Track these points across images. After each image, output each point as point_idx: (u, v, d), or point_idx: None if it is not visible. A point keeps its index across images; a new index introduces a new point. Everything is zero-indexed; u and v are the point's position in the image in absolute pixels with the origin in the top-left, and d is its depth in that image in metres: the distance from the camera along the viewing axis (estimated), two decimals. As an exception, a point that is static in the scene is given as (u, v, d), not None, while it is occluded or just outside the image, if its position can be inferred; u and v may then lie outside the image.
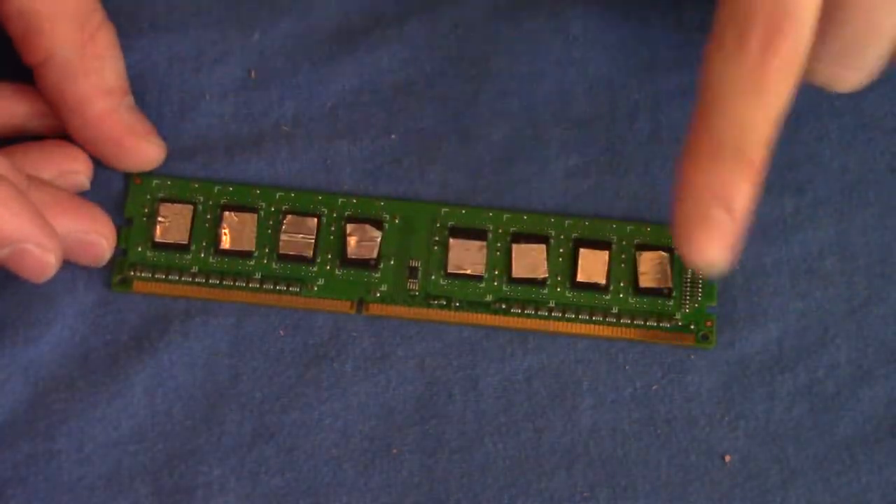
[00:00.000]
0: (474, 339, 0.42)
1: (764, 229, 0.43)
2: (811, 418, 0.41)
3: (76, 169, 0.43)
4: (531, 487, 0.41)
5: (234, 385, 0.42)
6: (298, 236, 0.43)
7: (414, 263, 0.43)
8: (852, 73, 0.41)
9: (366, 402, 0.42)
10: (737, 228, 0.37)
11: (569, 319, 0.42)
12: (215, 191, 0.43)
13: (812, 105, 0.44)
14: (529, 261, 0.42)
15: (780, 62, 0.37)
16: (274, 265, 0.43)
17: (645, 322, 0.42)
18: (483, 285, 0.42)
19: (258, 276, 0.43)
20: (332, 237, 0.43)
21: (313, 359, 0.42)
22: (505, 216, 0.43)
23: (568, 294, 0.42)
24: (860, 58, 0.40)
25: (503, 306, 0.42)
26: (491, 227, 0.43)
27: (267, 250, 0.43)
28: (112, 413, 0.41)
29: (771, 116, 0.38)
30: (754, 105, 0.37)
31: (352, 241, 0.43)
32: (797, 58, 0.37)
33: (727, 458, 0.41)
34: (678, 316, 0.42)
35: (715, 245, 0.37)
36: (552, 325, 0.42)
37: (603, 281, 0.42)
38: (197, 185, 0.43)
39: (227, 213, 0.43)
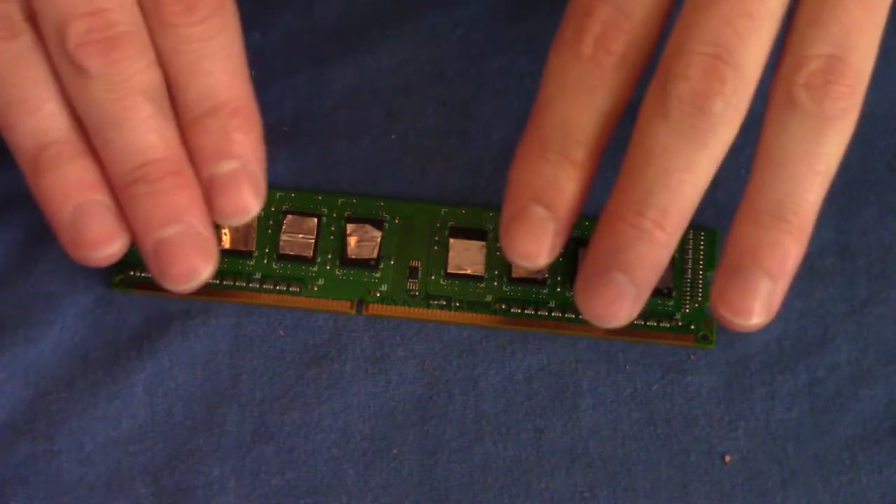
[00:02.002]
0: (474, 339, 0.42)
1: (764, 229, 0.43)
2: (811, 418, 0.41)
3: None
4: (531, 487, 0.41)
5: (234, 385, 0.42)
6: (298, 236, 0.43)
7: (414, 263, 0.43)
8: None
9: (366, 402, 0.42)
10: (559, 227, 0.37)
11: (569, 319, 0.42)
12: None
13: (812, 105, 0.44)
14: (529, 261, 0.42)
15: (614, 61, 0.37)
16: (274, 265, 0.43)
17: (645, 322, 0.42)
18: (483, 285, 0.42)
19: (258, 276, 0.43)
20: (332, 237, 0.43)
21: (313, 359, 0.42)
22: (505, 216, 0.43)
23: (568, 294, 0.42)
24: None
25: (503, 306, 0.42)
26: (491, 227, 0.43)
27: (267, 250, 0.43)
28: (112, 413, 0.41)
29: (600, 118, 0.37)
30: (584, 104, 0.37)
31: (352, 241, 0.43)
32: (635, 58, 0.37)
33: (727, 458, 0.41)
34: (678, 316, 0.42)
35: (531, 241, 0.37)
36: (552, 325, 0.42)
37: (603, 281, 0.42)
38: (197, 185, 0.43)
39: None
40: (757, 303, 0.37)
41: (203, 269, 0.38)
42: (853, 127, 0.37)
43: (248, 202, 0.39)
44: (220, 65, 0.38)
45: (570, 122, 0.37)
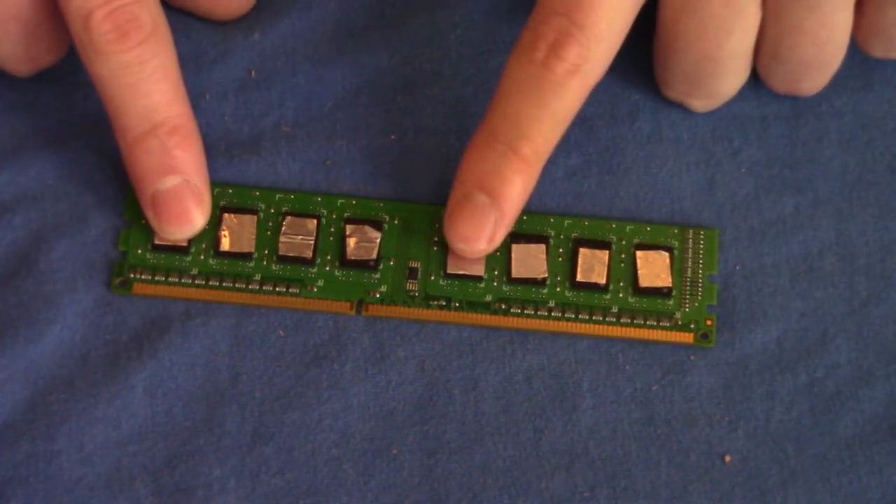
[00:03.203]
0: (474, 340, 0.42)
1: (764, 229, 0.43)
2: (811, 418, 0.41)
3: None
4: (531, 488, 0.41)
5: (234, 385, 0.42)
6: (298, 237, 0.43)
7: (413, 264, 0.43)
8: (700, 100, 0.43)
9: (366, 403, 0.42)
10: (501, 216, 0.40)
11: (568, 319, 0.42)
12: (215, 192, 0.43)
13: (812, 105, 0.44)
14: (529, 261, 0.42)
15: (564, 69, 0.39)
16: (273, 266, 0.43)
17: (645, 321, 0.42)
18: (483, 286, 0.42)
19: (258, 277, 0.43)
20: (331, 238, 0.43)
21: (313, 359, 0.42)
22: (505, 216, 0.43)
23: (567, 294, 0.42)
24: (703, 86, 0.42)
25: (503, 306, 0.42)
26: (490, 228, 0.43)
27: (266, 252, 0.43)
28: (112, 413, 0.41)
29: (549, 118, 0.40)
30: (533, 103, 0.40)
31: (351, 242, 0.43)
32: (586, 68, 0.40)
33: (727, 458, 0.41)
34: (678, 315, 0.42)
35: (471, 226, 0.41)
36: (552, 325, 0.42)
37: (603, 281, 0.42)
38: (196, 186, 0.43)
39: (226, 215, 0.43)
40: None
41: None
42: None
43: (192, 215, 0.42)
44: (156, 86, 0.41)
45: (519, 118, 0.40)
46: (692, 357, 0.42)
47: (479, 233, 0.41)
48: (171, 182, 0.41)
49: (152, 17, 0.40)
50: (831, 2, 0.40)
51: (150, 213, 0.42)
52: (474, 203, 0.40)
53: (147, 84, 0.40)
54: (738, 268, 0.43)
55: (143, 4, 0.40)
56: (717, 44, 0.41)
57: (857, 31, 0.42)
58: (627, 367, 0.42)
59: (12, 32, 0.42)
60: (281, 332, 0.42)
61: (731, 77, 0.42)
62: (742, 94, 0.44)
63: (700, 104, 0.43)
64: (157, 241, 0.43)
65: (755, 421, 0.41)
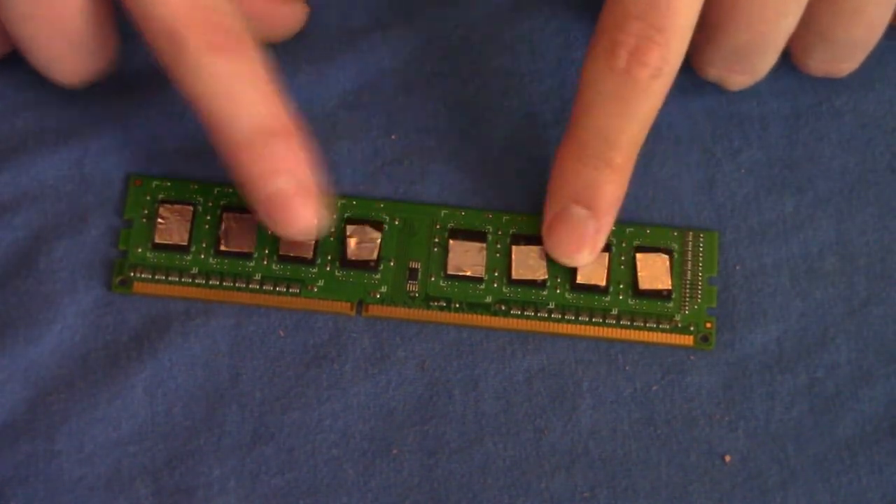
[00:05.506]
0: (474, 340, 0.42)
1: (764, 229, 0.43)
2: (811, 418, 0.41)
3: None
4: (531, 488, 0.41)
5: (234, 385, 0.42)
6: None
7: (414, 265, 0.43)
8: (742, 76, 0.43)
9: (366, 403, 0.42)
10: (600, 226, 0.41)
11: (568, 321, 0.42)
12: (215, 192, 0.43)
13: (812, 105, 0.44)
14: (529, 262, 0.42)
15: (648, 74, 0.39)
16: (274, 266, 0.43)
17: (644, 324, 0.42)
18: (483, 287, 0.42)
19: (258, 277, 0.43)
20: (331, 238, 0.43)
21: (313, 359, 0.42)
22: (504, 218, 0.43)
23: (567, 296, 0.42)
24: (749, 63, 0.42)
25: (503, 308, 0.42)
26: (490, 229, 0.43)
27: (267, 251, 0.43)
28: (112, 413, 0.41)
29: (636, 124, 0.40)
30: (619, 113, 0.40)
31: (351, 242, 0.43)
32: (667, 69, 0.39)
33: (727, 458, 0.41)
34: (678, 318, 0.42)
35: (573, 240, 0.41)
36: (552, 327, 0.42)
37: (602, 283, 0.42)
38: (197, 187, 0.43)
39: (227, 215, 0.43)
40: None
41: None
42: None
43: (306, 212, 0.40)
44: (253, 92, 0.40)
45: (607, 128, 0.40)
46: (692, 357, 0.42)
47: (581, 244, 0.41)
48: (280, 182, 0.40)
49: (238, 24, 0.40)
50: None
51: (265, 217, 0.41)
52: (573, 217, 0.41)
53: (244, 92, 0.40)
54: (737, 268, 0.43)
55: (228, 13, 0.40)
56: (773, 25, 0.40)
57: None
58: (627, 368, 0.42)
59: (67, 42, 0.41)
60: (281, 332, 0.42)
61: (774, 55, 0.42)
62: (742, 93, 0.44)
63: (740, 81, 0.43)
64: (156, 240, 0.43)
65: (755, 421, 0.41)
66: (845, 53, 0.42)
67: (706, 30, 0.41)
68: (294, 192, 0.40)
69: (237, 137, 0.40)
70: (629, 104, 0.39)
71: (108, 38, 0.42)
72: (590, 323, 0.42)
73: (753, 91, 0.44)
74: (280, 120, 0.40)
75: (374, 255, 0.43)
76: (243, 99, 0.40)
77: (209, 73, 0.39)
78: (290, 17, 0.45)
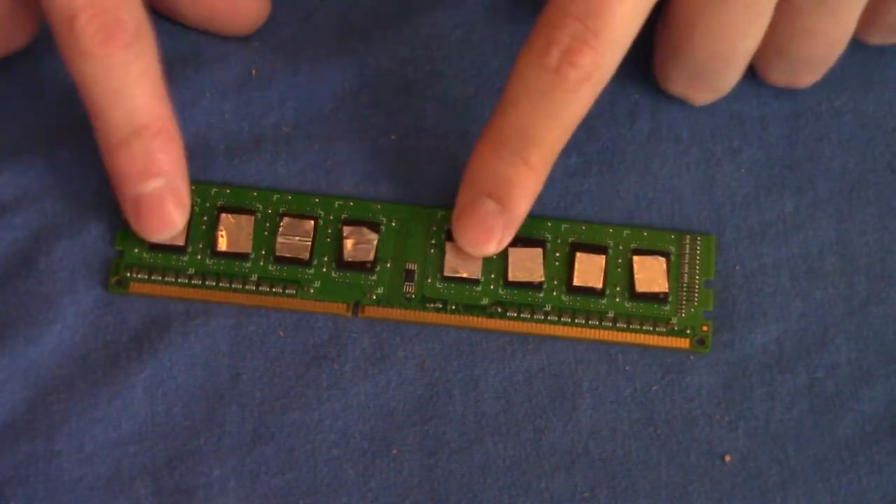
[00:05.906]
0: (474, 340, 0.42)
1: (764, 229, 0.43)
2: (811, 418, 0.41)
3: None
4: (531, 488, 0.41)
5: (234, 385, 0.42)
6: (295, 238, 0.43)
7: (410, 266, 0.43)
8: (704, 94, 0.43)
9: (366, 403, 0.42)
10: (510, 221, 0.41)
11: (564, 323, 0.42)
12: (212, 193, 0.43)
13: (812, 105, 0.44)
14: (526, 264, 0.42)
15: (578, 76, 0.39)
16: (270, 267, 0.43)
17: (641, 326, 0.42)
18: (479, 289, 0.42)
19: (255, 278, 0.43)
20: (328, 240, 0.43)
21: (313, 359, 0.42)
22: (503, 219, 0.43)
23: (564, 298, 0.42)
24: (709, 81, 0.42)
25: (499, 310, 0.42)
26: (489, 230, 0.43)
27: (263, 252, 0.43)
28: (112, 413, 0.41)
29: (558, 126, 0.40)
30: (543, 111, 0.39)
31: (348, 243, 0.43)
32: (597, 76, 0.39)
33: (727, 458, 0.41)
34: (674, 320, 0.42)
35: (481, 231, 0.41)
36: (548, 329, 0.42)
37: (599, 285, 0.42)
38: (194, 188, 0.43)
39: (223, 215, 0.43)
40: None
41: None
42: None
43: (173, 217, 0.42)
44: (139, 89, 0.40)
45: (528, 125, 0.40)
46: (692, 357, 0.42)
47: (488, 237, 0.41)
48: (154, 185, 0.41)
49: (136, 19, 0.40)
50: (849, 4, 0.40)
51: (130, 216, 0.42)
52: (483, 209, 0.41)
53: (130, 87, 0.40)
54: (737, 268, 0.43)
55: (127, 7, 0.40)
56: (732, 44, 0.40)
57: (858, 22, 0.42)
58: (627, 368, 0.42)
59: None
60: (281, 333, 0.42)
61: (736, 73, 0.42)
62: (742, 93, 0.44)
63: (702, 98, 0.43)
64: (154, 241, 0.43)
65: (755, 421, 0.41)
66: (806, 69, 0.43)
67: (667, 48, 0.42)
68: (165, 196, 0.41)
69: (116, 133, 0.40)
70: (554, 104, 0.39)
71: (26, 21, 0.42)
72: (586, 325, 0.42)
73: (753, 91, 0.44)
74: (161, 121, 0.41)
75: (371, 257, 0.43)
76: (128, 94, 0.40)
77: (98, 63, 0.40)
78: (252, 10, 0.45)
